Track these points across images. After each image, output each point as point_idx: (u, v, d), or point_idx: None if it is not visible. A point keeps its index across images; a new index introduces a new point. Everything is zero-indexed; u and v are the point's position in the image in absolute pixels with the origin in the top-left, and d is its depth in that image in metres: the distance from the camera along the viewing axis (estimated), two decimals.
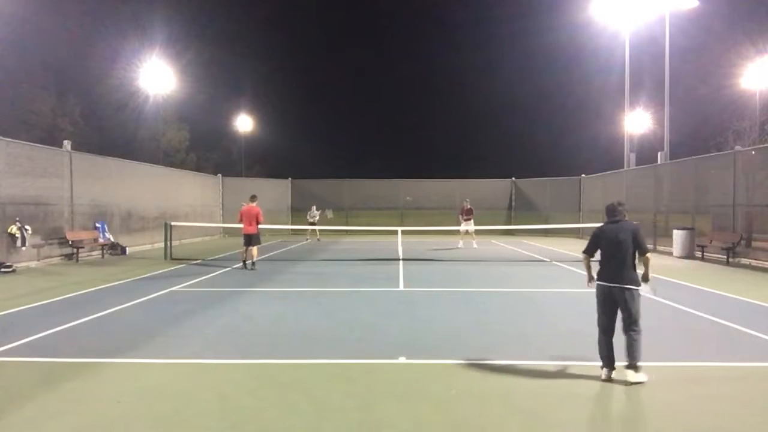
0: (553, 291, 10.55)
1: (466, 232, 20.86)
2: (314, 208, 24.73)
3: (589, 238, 5.56)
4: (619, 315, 5.15)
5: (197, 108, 54.88)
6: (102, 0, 55.77)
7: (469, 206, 20.52)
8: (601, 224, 5.51)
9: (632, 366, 4.99)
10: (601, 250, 5.34)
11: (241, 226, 13.76)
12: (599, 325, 5.26)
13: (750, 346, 6.38)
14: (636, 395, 4.72)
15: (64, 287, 10.60)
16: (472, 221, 20.38)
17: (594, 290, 5.35)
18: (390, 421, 4.19)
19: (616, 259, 5.14)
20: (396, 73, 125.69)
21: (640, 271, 5.21)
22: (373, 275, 12.73)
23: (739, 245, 15.02)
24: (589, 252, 5.49)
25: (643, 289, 5.16)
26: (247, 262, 13.50)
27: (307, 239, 25.03)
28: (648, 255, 5.22)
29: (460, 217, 20.64)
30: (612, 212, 5.37)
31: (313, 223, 24.02)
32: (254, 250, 13.52)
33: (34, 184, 14.74)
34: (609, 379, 5.04)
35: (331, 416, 4.28)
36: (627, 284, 5.06)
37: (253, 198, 13.84)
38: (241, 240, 13.88)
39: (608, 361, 5.13)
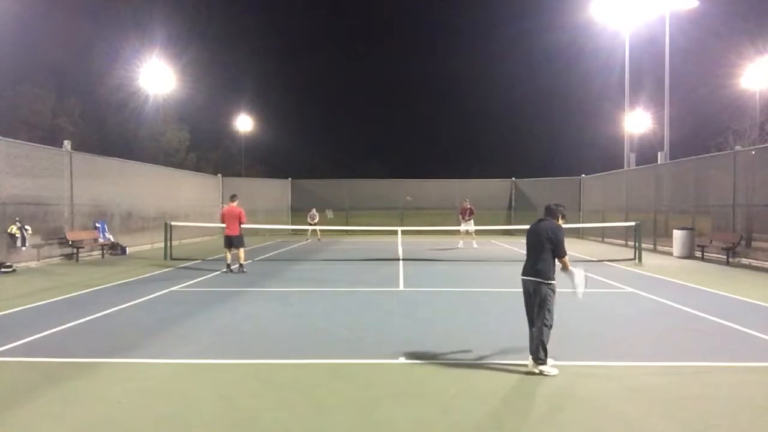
0: None
1: (467, 232, 20.85)
2: (314, 210, 24.98)
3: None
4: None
5: (197, 108, 54.92)
6: (102, 0, 55.77)
7: (469, 206, 20.52)
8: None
9: (534, 356, 5.19)
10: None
11: (224, 226, 13.16)
12: (527, 317, 5.47)
13: (750, 346, 6.38)
14: (636, 395, 4.71)
15: (64, 287, 10.60)
16: (472, 221, 20.37)
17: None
18: (390, 421, 4.19)
19: (533, 254, 5.42)
20: (396, 74, 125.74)
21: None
22: (373, 275, 12.73)
23: (739, 245, 15.02)
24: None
25: (578, 286, 5.42)
26: (233, 267, 12.97)
27: (307, 239, 25.09)
28: (565, 259, 5.39)
29: (461, 217, 20.65)
30: (545, 211, 5.62)
31: (311, 224, 24.21)
32: (240, 252, 12.98)
33: (34, 184, 14.74)
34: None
35: (331, 416, 4.28)
36: (536, 277, 5.32)
37: (233, 198, 13.34)
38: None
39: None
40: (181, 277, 12.11)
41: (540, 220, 5.53)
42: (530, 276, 5.34)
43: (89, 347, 6.27)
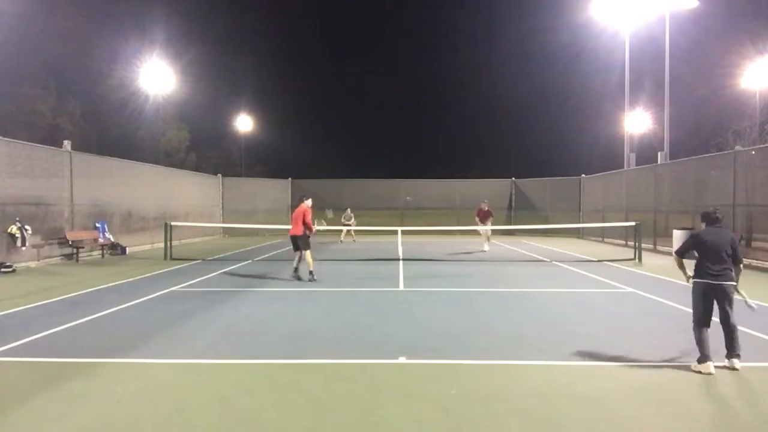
0: (553, 291, 10.55)
1: (486, 233, 20.10)
2: (349, 210, 24.79)
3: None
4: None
5: (197, 108, 54.85)
6: (102, 0, 55.74)
7: (487, 208, 19.57)
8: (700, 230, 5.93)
9: (737, 352, 5.49)
10: (707, 251, 5.71)
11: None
12: (703, 319, 5.66)
13: (750, 346, 6.37)
14: (635, 394, 4.71)
15: (64, 287, 10.60)
16: (489, 223, 19.55)
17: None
18: (390, 421, 4.18)
19: (721, 259, 5.70)
20: (396, 73, 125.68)
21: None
22: (373, 275, 12.73)
23: (739, 245, 14.99)
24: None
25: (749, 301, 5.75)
26: (298, 270, 11.97)
27: (341, 241, 24.48)
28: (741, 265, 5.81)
29: (477, 219, 19.64)
30: (714, 219, 5.92)
31: (346, 224, 23.81)
32: (307, 255, 11.66)
33: (34, 184, 14.74)
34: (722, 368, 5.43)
35: (331, 416, 4.28)
36: (732, 281, 5.69)
37: (302, 198, 12.39)
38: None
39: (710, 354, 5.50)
40: (181, 277, 12.11)
41: (715, 227, 5.85)
42: (729, 281, 5.65)
43: (89, 347, 6.27)
